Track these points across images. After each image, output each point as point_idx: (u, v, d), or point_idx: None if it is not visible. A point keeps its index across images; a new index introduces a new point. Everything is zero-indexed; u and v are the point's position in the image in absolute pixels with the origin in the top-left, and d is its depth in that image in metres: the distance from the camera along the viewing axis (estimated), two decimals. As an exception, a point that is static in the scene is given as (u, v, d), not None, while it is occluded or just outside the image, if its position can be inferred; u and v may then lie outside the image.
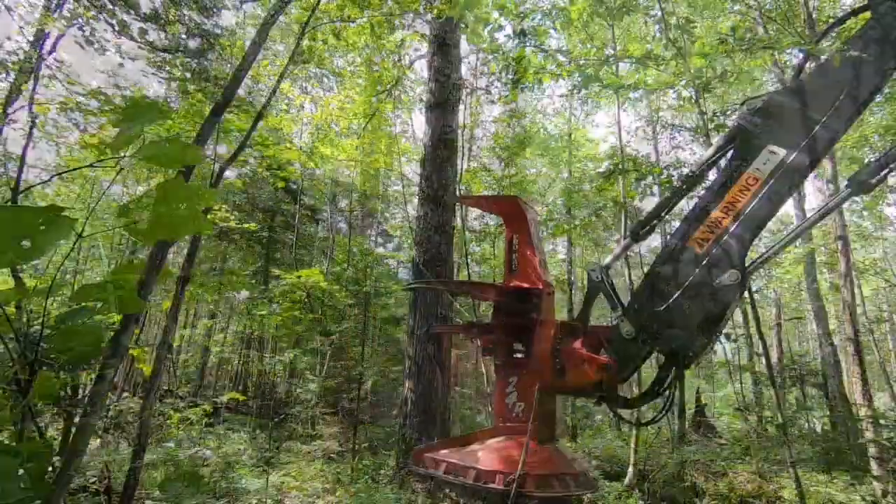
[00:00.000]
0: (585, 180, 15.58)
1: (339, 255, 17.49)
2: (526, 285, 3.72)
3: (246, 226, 9.95)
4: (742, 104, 3.30)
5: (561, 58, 5.18)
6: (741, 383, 12.74)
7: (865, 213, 13.85)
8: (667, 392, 3.21)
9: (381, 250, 25.65)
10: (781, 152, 2.94)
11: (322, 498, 7.30)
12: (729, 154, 3.26)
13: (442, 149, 7.07)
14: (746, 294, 6.27)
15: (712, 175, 3.60)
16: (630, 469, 8.25)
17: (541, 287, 3.65)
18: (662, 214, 3.56)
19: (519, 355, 3.73)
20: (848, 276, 9.02)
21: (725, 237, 2.90)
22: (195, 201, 1.12)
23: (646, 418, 3.90)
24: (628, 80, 5.37)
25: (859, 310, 10.70)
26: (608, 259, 3.68)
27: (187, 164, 1.25)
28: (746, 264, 2.86)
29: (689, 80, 5.18)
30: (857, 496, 7.31)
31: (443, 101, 7.07)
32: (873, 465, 7.50)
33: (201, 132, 1.98)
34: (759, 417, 13.14)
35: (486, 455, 3.24)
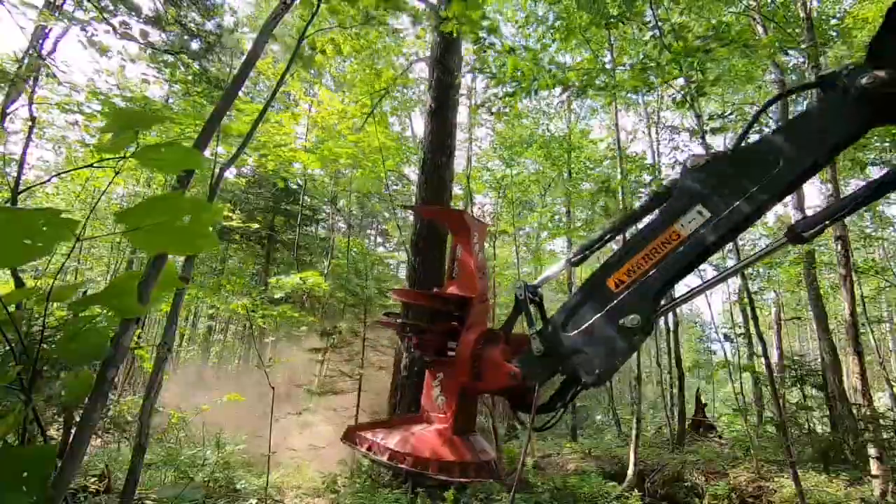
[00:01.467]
0: (586, 180, 15.59)
1: (339, 258, 17.50)
2: (460, 293, 4.06)
3: (249, 225, 9.96)
4: (685, 161, 3.43)
5: (555, 69, 5.23)
6: (741, 383, 12.75)
7: (866, 213, 13.86)
8: (563, 408, 3.53)
9: (381, 250, 25.67)
10: (707, 215, 3.04)
11: (321, 497, 7.31)
12: (665, 204, 3.40)
13: (440, 155, 7.08)
14: (746, 294, 6.29)
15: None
16: (630, 469, 8.26)
17: (473, 296, 3.99)
18: (598, 247, 3.77)
19: (451, 354, 4.09)
20: (848, 277, 9.02)
21: (639, 283, 3.05)
22: (203, 217, 1.10)
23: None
24: (624, 85, 5.40)
25: (859, 310, 10.70)
26: (538, 279, 3.97)
27: (187, 168, 1.25)
28: (657, 310, 3.01)
29: (683, 87, 5.21)
30: (857, 496, 7.32)
31: (442, 106, 7.07)
32: (873, 465, 7.50)
33: (202, 134, 1.98)
34: (759, 417, 13.16)
35: (403, 439, 3.60)
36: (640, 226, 3.75)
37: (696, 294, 3.22)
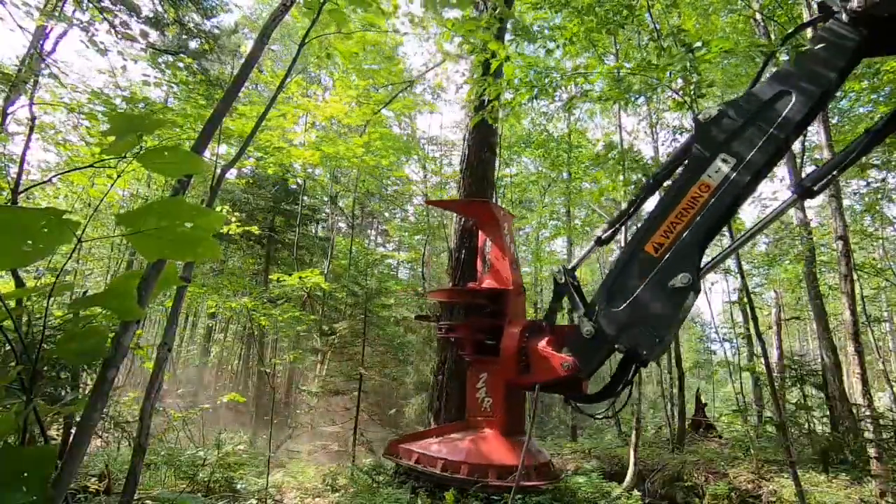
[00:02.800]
0: (586, 179, 15.57)
1: (340, 258, 17.50)
2: (496, 286, 3.86)
3: (250, 229, 9.94)
4: (695, 115, 3.39)
5: (556, 75, 5.26)
6: (741, 383, 12.74)
7: (867, 213, 13.86)
8: (625, 389, 3.35)
9: (381, 250, 25.67)
10: (731, 161, 3.01)
11: (322, 497, 7.30)
12: (686, 162, 3.34)
13: (483, 150, 6.77)
14: (745, 294, 6.29)
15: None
16: (630, 469, 8.26)
17: (510, 288, 3.79)
18: (625, 220, 3.69)
19: (488, 351, 3.87)
20: (848, 276, 9.02)
21: (679, 242, 2.99)
22: (204, 224, 1.09)
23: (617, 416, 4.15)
24: (623, 87, 5.41)
25: (859, 309, 10.70)
26: (573, 262, 3.83)
27: (188, 173, 1.25)
28: (701, 267, 2.95)
29: (684, 87, 5.20)
30: (857, 496, 7.31)
31: (486, 100, 6.88)
32: (873, 465, 7.50)
33: (202, 135, 1.98)
34: (759, 417, 13.15)
35: (453, 447, 3.39)
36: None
37: (729, 253, 3.14)
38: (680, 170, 3.41)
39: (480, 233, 4.40)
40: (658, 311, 2.95)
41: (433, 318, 5.11)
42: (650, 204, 4.04)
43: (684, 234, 3.04)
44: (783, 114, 2.97)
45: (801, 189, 2.99)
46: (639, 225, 3.56)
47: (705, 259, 3.18)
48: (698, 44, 4.17)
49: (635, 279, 3.09)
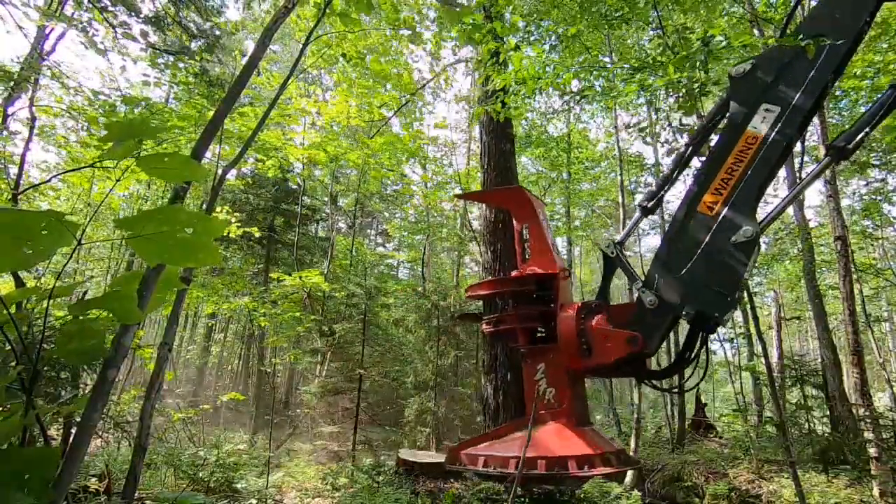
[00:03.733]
0: (586, 179, 15.58)
1: (340, 258, 17.50)
2: (543, 271, 3.69)
3: (249, 230, 9.93)
4: (730, 70, 3.34)
5: (556, 68, 5.22)
6: (741, 383, 12.74)
7: (866, 213, 13.86)
8: (697, 357, 3.19)
9: (381, 250, 25.67)
10: (776, 109, 2.98)
11: (322, 497, 7.30)
12: (727, 118, 3.28)
13: (504, 141, 6.61)
14: (745, 294, 6.28)
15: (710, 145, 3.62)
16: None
17: (557, 272, 3.64)
18: (668, 185, 3.59)
19: (541, 340, 3.69)
20: (847, 276, 9.01)
21: (735, 196, 2.92)
22: (205, 231, 1.09)
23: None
24: (622, 88, 5.38)
25: (859, 309, 10.69)
26: (621, 235, 3.68)
27: (187, 179, 1.25)
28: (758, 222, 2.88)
29: (685, 86, 5.19)
30: (857, 496, 7.31)
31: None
32: (873, 466, 7.50)
33: (203, 136, 1.99)
34: (759, 417, 13.14)
35: (523, 444, 3.21)
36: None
37: (784, 208, 3.07)
38: (723, 126, 3.33)
39: (515, 221, 4.21)
40: (724, 269, 2.80)
41: (477, 316, 4.82)
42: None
43: (738, 188, 2.98)
44: (822, 55, 2.93)
45: (835, 150, 2.97)
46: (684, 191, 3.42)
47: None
48: (720, 37, 4.12)
49: (693, 242, 2.98)
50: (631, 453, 8.17)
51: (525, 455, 3.22)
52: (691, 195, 3.13)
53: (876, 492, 7.27)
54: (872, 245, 15.41)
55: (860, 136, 2.89)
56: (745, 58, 3.56)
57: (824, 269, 14.71)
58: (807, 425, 10.32)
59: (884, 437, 7.90)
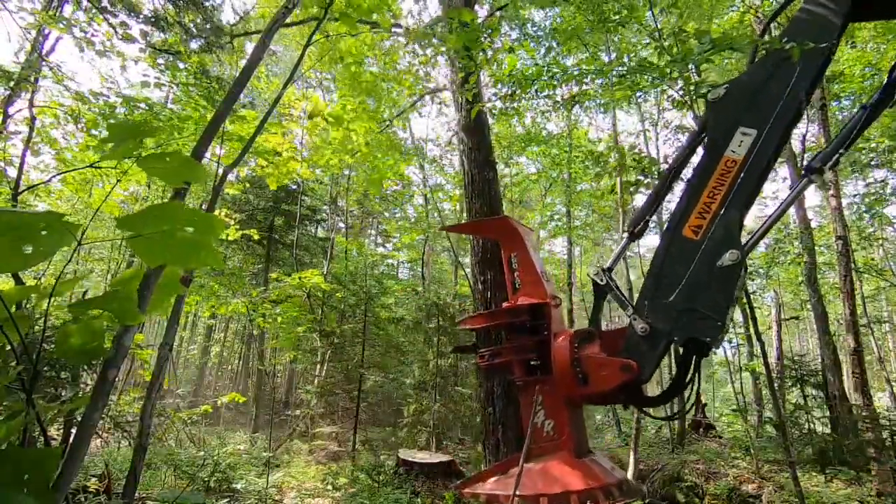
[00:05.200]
0: (585, 179, 15.58)
1: (339, 258, 17.50)
2: (534, 301, 3.69)
3: (248, 232, 9.92)
4: (706, 93, 3.39)
5: (555, 69, 5.18)
6: (741, 383, 12.74)
7: (866, 213, 13.87)
8: (691, 383, 3.18)
9: (381, 250, 25.68)
10: (752, 132, 3.03)
11: (322, 497, 7.31)
12: (705, 142, 3.33)
13: (487, 170, 6.54)
14: (744, 294, 6.29)
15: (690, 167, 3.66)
16: (630, 469, 8.26)
17: (548, 300, 3.64)
18: (654, 209, 3.61)
19: (535, 370, 3.64)
20: (848, 276, 9.02)
21: (717, 220, 2.97)
22: (205, 230, 1.09)
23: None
24: (620, 88, 5.37)
25: (859, 309, 10.70)
26: (609, 261, 3.67)
27: (187, 180, 1.25)
28: (743, 243, 2.91)
29: (684, 86, 5.20)
30: (856, 496, 7.32)
31: (481, 119, 6.57)
32: (872, 466, 7.51)
33: (204, 137, 1.99)
34: (759, 417, 13.15)
35: (525, 481, 3.18)
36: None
37: (769, 228, 3.10)
38: (702, 150, 3.37)
39: (503, 251, 4.19)
40: (712, 294, 2.84)
41: (471, 348, 4.79)
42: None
43: (721, 212, 3.00)
44: (793, 77, 2.99)
45: (810, 170, 3.01)
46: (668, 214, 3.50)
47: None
48: (716, 35, 4.11)
49: (680, 266, 2.98)
50: (632, 453, 8.18)
51: (519, 493, 3.18)
52: (675, 219, 3.17)
53: (874, 492, 7.28)
54: (872, 245, 15.42)
55: (835, 157, 2.96)
56: (744, 57, 3.61)
57: (824, 269, 14.72)
58: (807, 425, 10.32)
59: (883, 437, 7.91)
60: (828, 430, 10.14)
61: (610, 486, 3.04)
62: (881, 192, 12.50)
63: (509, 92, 5.36)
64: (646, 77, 4.72)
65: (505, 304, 3.99)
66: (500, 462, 4.00)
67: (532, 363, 3.60)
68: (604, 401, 4.04)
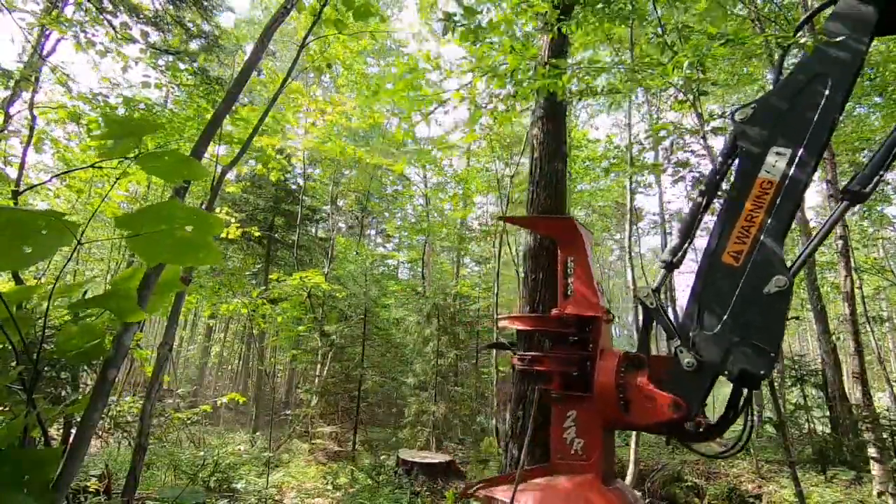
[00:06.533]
0: (585, 180, 15.58)
1: (339, 258, 17.50)
2: (583, 312, 3.51)
3: (249, 230, 9.92)
4: (731, 114, 3.29)
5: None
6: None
7: (866, 213, 13.88)
8: (740, 415, 3.01)
9: (380, 250, 25.67)
10: (787, 151, 2.92)
11: (322, 497, 7.31)
12: (736, 162, 3.22)
13: (556, 161, 6.18)
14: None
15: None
16: (630, 469, 8.26)
17: (600, 315, 3.45)
18: (691, 237, 3.43)
19: (573, 382, 3.48)
20: (848, 276, 9.02)
21: (758, 244, 2.84)
22: (203, 228, 1.08)
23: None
24: (624, 83, 5.29)
25: (860, 309, 10.70)
26: (656, 283, 3.46)
27: (186, 178, 1.25)
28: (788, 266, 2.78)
29: (685, 84, 5.17)
30: (856, 496, 7.31)
31: (556, 108, 6.20)
32: (872, 466, 7.50)
33: (203, 137, 1.99)
34: (759, 417, 13.13)
35: (545, 498, 3.07)
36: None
37: (813, 251, 2.98)
38: (734, 174, 3.25)
39: (560, 252, 3.98)
40: (760, 322, 2.69)
41: (507, 346, 4.56)
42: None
43: (761, 236, 2.89)
44: (825, 95, 2.90)
45: (850, 194, 2.89)
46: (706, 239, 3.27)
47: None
48: (721, 32, 4.03)
49: (723, 295, 2.83)
50: (632, 453, 8.18)
51: None
52: (712, 246, 3.03)
53: (874, 492, 7.27)
54: (873, 245, 15.42)
55: (876, 179, 2.83)
56: (750, 54, 3.54)
57: (824, 269, 14.72)
58: (806, 425, 10.32)
59: (883, 436, 7.90)
60: (828, 430, 10.13)
61: None
62: (881, 193, 12.50)
63: (513, 93, 5.26)
64: (650, 73, 4.64)
65: (554, 311, 3.74)
66: (522, 470, 3.85)
67: (573, 376, 3.45)
68: (642, 431, 3.87)
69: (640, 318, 3.43)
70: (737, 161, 3.19)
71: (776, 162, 2.91)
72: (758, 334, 2.71)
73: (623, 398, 3.05)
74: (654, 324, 3.35)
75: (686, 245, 3.38)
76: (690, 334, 2.93)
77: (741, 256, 2.86)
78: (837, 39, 2.95)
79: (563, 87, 4.68)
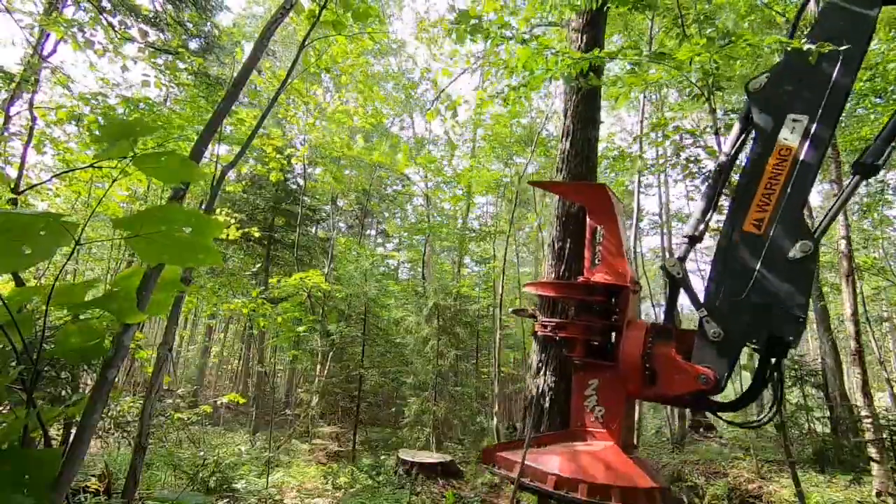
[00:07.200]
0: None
1: (339, 258, 17.50)
2: (612, 281, 3.45)
3: (249, 231, 9.92)
4: (745, 85, 3.26)
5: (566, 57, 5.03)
6: (741, 383, 12.71)
7: (866, 213, 13.87)
8: (769, 385, 2.98)
9: (380, 250, 25.67)
10: (803, 118, 2.90)
11: (322, 497, 7.30)
12: (753, 134, 3.20)
13: (590, 129, 6.05)
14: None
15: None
16: (630, 469, 8.26)
17: (628, 284, 3.41)
18: (711, 211, 3.41)
19: (594, 351, 3.46)
20: (850, 276, 9.02)
21: (780, 211, 2.82)
22: (203, 231, 1.09)
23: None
24: (638, 76, 5.20)
25: (860, 309, 10.70)
26: (679, 252, 3.43)
27: (184, 180, 1.25)
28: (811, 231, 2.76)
29: (702, 78, 5.10)
30: (856, 496, 7.31)
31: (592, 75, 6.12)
32: (873, 466, 7.50)
33: (203, 136, 1.99)
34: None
35: (566, 461, 3.03)
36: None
37: (835, 215, 2.97)
38: (752, 143, 3.23)
39: (589, 220, 3.93)
40: (787, 288, 2.68)
41: (530, 314, 4.49)
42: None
43: (783, 202, 2.88)
44: (840, 59, 2.88)
45: (861, 168, 2.89)
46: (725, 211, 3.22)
47: None
48: (745, 25, 3.94)
49: (747, 262, 2.82)
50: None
51: (565, 475, 2.98)
52: (733, 215, 3.02)
53: (875, 492, 7.27)
54: (873, 245, 15.41)
55: (888, 152, 2.82)
56: (762, 54, 3.51)
57: (824, 268, 14.71)
58: (806, 425, 10.32)
59: (883, 437, 7.90)
60: (828, 430, 10.13)
61: (654, 490, 2.88)
62: (881, 193, 12.50)
63: (523, 83, 5.18)
64: (665, 67, 4.57)
65: (580, 279, 3.71)
66: (539, 435, 3.78)
67: (594, 342, 3.41)
68: (667, 402, 3.85)
69: (668, 288, 3.39)
70: (753, 132, 3.18)
71: (794, 128, 2.89)
72: (785, 300, 2.68)
73: (649, 369, 3.00)
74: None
75: (708, 217, 3.36)
76: (716, 304, 2.92)
77: (763, 224, 2.86)
78: (850, 5, 2.92)
79: (591, 73, 4.64)
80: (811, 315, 13.97)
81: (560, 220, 5.47)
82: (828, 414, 10.37)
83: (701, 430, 13.47)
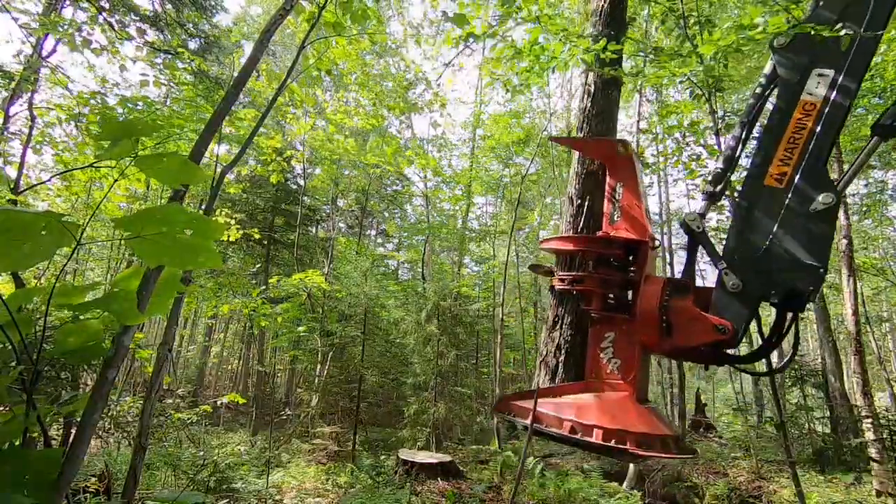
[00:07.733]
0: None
1: (339, 258, 17.50)
2: (631, 236, 3.48)
3: (249, 232, 9.91)
4: (770, 43, 3.26)
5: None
6: (741, 383, 12.74)
7: (867, 213, 13.88)
8: (782, 338, 2.99)
9: (380, 250, 25.67)
10: (829, 72, 2.92)
11: (322, 497, 7.30)
12: (777, 90, 3.21)
13: (612, 87, 5.98)
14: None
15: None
16: (630, 469, 8.26)
17: (647, 240, 3.42)
18: (733, 166, 3.41)
19: (610, 307, 3.48)
20: (850, 276, 9.02)
21: (802, 164, 2.84)
22: (204, 233, 1.09)
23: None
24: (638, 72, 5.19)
25: (860, 309, 10.71)
26: (700, 208, 3.44)
27: (185, 182, 1.25)
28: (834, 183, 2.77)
29: (701, 77, 5.09)
30: (856, 496, 7.32)
31: (616, 35, 6.10)
32: (873, 466, 7.51)
33: (203, 136, 1.99)
34: (759, 417, 13.14)
35: (581, 408, 3.08)
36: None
37: (858, 169, 2.97)
38: (776, 98, 3.23)
39: (609, 177, 3.93)
40: (807, 239, 2.69)
41: (548, 270, 4.46)
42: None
43: (806, 156, 2.89)
44: (868, 9, 2.89)
45: (880, 129, 2.89)
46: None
47: None
48: (758, 19, 3.91)
49: (768, 215, 2.83)
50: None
51: (580, 421, 2.99)
52: (755, 169, 3.04)
53: (875, 492, 7.28)
54: (873, 245, 15.42)
55: None
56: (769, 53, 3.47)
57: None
58: (807, 425, 10.32)
59: (883, 436, 7.91)
60: (828, 430, 10.13)
61: (668, 437, 2.90)
62: (881, 193, 12.51)
63: (529, 67, 5.13)
64: (669, 67, 4.55)
65: (600, 233, 3.71)
66: (553, 386, 3.77)
67: (610, 299, 3.44)
68: (683, 356, 3.83)
69: (687, 243, 3.40)
70: (776, 89, 3.18)
71: (819, 83, 2.90)
72: (806, 251, 2.71)
73: (666, 321, 3.04)
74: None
75: (728, 174, 3.34)
76: (735, 257, 2.93)
77: (785, 178, 2.86)
78: None
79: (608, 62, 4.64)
80: (811, 315, 13.97)
81: (580, 176, 5.42)
82: (828, 414, 10.37)
83: (701, 429, 13.47)
